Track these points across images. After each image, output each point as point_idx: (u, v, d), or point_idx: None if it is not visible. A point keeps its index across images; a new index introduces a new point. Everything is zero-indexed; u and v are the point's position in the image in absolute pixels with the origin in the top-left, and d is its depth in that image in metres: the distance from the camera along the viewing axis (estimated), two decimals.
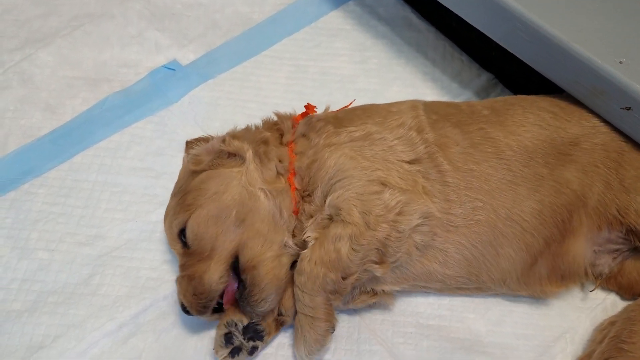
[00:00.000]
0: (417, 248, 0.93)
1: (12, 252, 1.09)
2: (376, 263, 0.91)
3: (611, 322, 0.97)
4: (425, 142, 0.97)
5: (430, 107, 1.03)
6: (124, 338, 1.00)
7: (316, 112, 1.07)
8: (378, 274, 0.92)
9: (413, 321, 1.02)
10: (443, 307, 1.03)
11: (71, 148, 1.22)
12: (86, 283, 1.05)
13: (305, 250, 0.92)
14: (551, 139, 0.98)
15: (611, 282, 1.03)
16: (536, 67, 1.05)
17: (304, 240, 0.94)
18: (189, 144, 1.10)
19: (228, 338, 0.94)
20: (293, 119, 1.06)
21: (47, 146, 1.22)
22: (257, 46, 1.37)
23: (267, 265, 0.92)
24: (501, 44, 1.08)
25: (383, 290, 0.99)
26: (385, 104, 1.06)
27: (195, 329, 1.01)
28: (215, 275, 0.91)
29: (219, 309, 0.95)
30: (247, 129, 1.06)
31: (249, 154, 0.97)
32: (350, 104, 1.11)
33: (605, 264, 1.00)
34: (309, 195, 0.97)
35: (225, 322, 0.94)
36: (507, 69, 1.27)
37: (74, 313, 1.02)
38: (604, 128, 1.00)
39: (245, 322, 0.94)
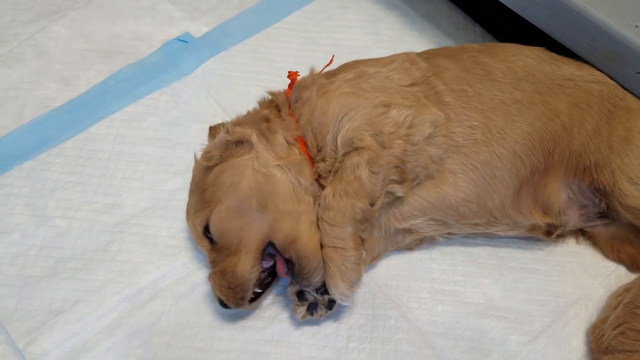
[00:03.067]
0: (432, 161, 0.95)
1: (30, 219, 1.10)
2: (397, 182, 0.92)
3: (626, 289, 0.98)
4: (419, 69, 1.00)
5: (422, 52, 1.08)
6: (143, 302, 1.01)
7: (299, 74, 1.06)
8: (400, 194, 0.93)
9: (427, 287, 1.03)
10: (457, 273, 1.04)
11: (87, 119, 1.22)
12: (104, 249, 1.06)
13: (326, 188, 0.92)
14: (544, 70, 1.01)
15: (614, 255, 1.05)
16: (550, 33, 1.05)
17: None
18: (212, 130, 1.09)
19: (301, 295, 0.94)
20: (285, 92, 1.06)
21: (63, 117, 1.23)
22: (269, 18, 1.37)
23: (305, 235, 0.91)
24: (515, 10, 1.08)
25: (405, 230, 1.00)
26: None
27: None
28: (247, 266, 0.91)
29: (255, 298, 0.96)
30: (248, 114, 1.06)
31: (255, 137, 0.97)
32: (331, 61, 1.10)
33: (573, 216, 1.02)
34: (320, 151, 0.97)
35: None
36: (520, 40, 1.27)
37: (93, 278, 1.03)
38: (603, 78, 1.02)
39: None
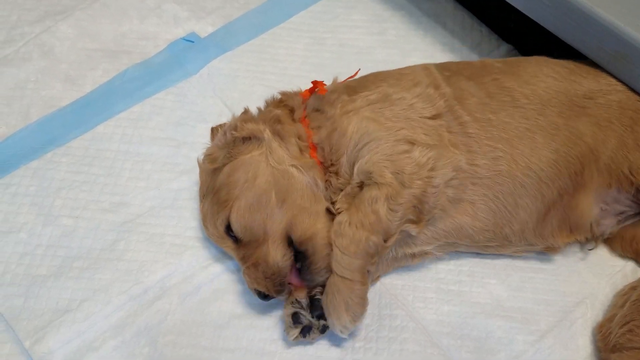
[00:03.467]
0: (449, 202, 0.94)
1: (36, 218, 1.10)
2: (413, 222, 0.92)
3: (632, 287, 0.98)
4: (444, 96, 0.98)
5: (442, 66, 1.05)
6: (149, 301, 1.01)
7: (325, 85, 1.04)
8: (414, 233, 0.93)
9: (433, 287, 1.03)
10: (463, 274, 1.04)
11: (93, 118, 1.23)
12: (111, 248, 1.06)
13: (341, 214, 0.92)
14: (565, 90, 0.99)
15: (627, 249, 1.04)
16: (558, 34, 1.05)
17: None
18: (214, 131, 1.09)
19: (296, 318, 0.94)
20: (301, 95, 1.05)
21: (69, 116, 1.23)
22: (275, 18, 1.37)
23: (323, 233, 0.92)
24: (522, 10, 1.08)
25: (413, 254, 0.99)
26: (396, 69, 1.07)
27: (219, 294, 1.02)
28: (278, 253, 0.91)
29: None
30: (258, 111, 1.05)
31: (267, 133, 0.96)
32: (356, 73, 1.10)
33: (609, 224, 1.01)
34: (332, 165, 0.97)
35: (291, 302, 0.94)
36: (525, 40, 1.27)
37: (99, 277, 1.03)
38: (620, 87, 1.01)
39: (305, 298, 0.94)
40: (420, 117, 0.96)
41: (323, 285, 0.94)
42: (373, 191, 0.90)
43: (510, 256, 1.05)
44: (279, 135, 0.97)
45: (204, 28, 1.37)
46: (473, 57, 1.29)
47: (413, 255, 1.01)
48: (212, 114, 1.24)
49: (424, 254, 1.01)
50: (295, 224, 0.92)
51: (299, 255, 0.92)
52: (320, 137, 0.98)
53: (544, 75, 1.01)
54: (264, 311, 1.01)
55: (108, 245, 1.07)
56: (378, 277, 1.03)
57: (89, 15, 1.37)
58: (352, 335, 0.98)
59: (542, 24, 1.06)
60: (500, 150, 0.95)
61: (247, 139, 0.96)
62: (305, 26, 1.36)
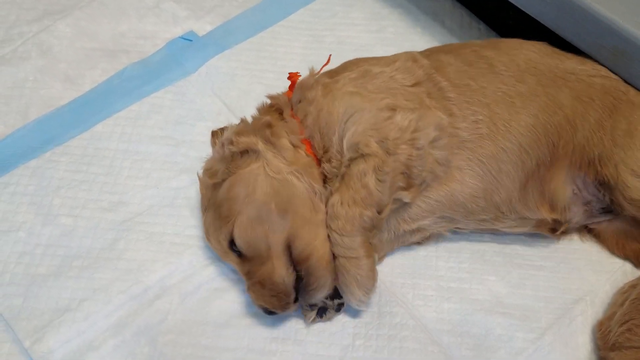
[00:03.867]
0: (438, 163, 0.95)
1: (35, 218, 1.10)
2: (404, 189, 0.92)
3: (632, 285, 0.98)
4: (422, 67, 1.01)
5: (425, 50, 1.09)
6: (149, 301, 1.01)
7: (300, 75, 1.05)
8: (407, 200, 0.93)
9: (433, 284, 1.03)
10: (463, 271, 1.04)
11: (91, 117, 1.22)
12: (111, 248, 1.06)
13: (333, 196, 0.92)
14: (547, 63, 1.02)
15: (615, 250, 1.05)
16: (557, 31, 1.05)
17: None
18: (215, 135, 1.09)
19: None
20: (286, 93, 1.05)
21: (68, 115, 1.23)
22: (273, 16, 1.37)
23: (320, 251, 0.91)
24: (521, 7, 1.08)
25: (412, 230, 1.00)
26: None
27: (219, 293, 1.02)
28: (282, 271, 0.91)
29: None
30: (247, 121, 1.04)
31: (260, 145, 0.95)
32: (329, 60, 1.10)
33: (577, 212, 1.02)
34: (326, 152, 0.97)
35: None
36: (524, 38, 1.27)
37: (99, 277, 1.03)
38: (605, 72, 1.03)
39: None
40: (401, 86, 0.98)
41: None
42: (360, 165, 0.90)
43: (509, 254, 1.05)
44: (270, 142, 0.96)
45: (203, 27, 1.36)
46: None
47: (413, 232, 1.01)
48: (211, 113, 1.24)
49: (424, 232, 1.02)
50: (297, 236, 0.91)
51: (297, 276, 0.92)
52: (308, 125, 0.98)
53: (525, 49, 1.04)
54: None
55: (107, 244, 1.07)
56: (383, 257, 1.03)
57: (87, 15, 1.37)
58: (352, 333, 0.98)
59: (541, 20, 1.06)
60: (480, 113, 0.97)
61: (244, 152, 0.96)
62: (303, 24, 1.36)
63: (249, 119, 1.04)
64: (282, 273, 0.91)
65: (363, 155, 0.91)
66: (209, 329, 0.99)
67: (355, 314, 1.00)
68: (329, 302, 0.96)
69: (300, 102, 1.01)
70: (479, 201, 0.98)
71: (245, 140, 0.95)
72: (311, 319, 0.96)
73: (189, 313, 1.00)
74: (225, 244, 0.94)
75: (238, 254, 0.94)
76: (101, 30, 1.36)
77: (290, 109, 1.02)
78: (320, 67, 1.07)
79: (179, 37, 1.34)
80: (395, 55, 1.06)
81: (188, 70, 1.29)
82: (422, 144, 0.92)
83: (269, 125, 0.98)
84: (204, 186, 0.99)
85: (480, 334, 0.98)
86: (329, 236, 0.92)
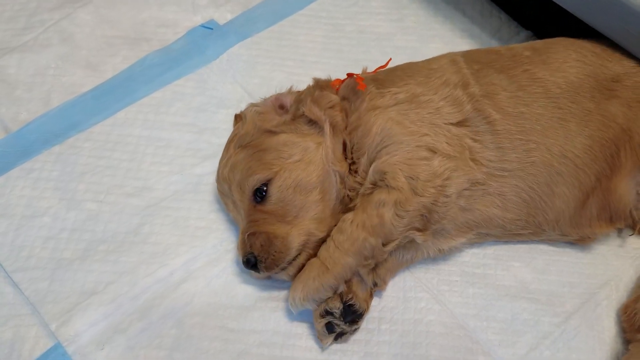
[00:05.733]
0: (461, 211, 0.95)
1: (60, 203, 1.10)
2: (419, 230, 0.92)
3: None
4: (472, 97, 0.97)
5: (470, 57, 1.03)
6: (175, 284, 1.01)
7: (360, 79, 1.02)
8: (419, 241, 0.93)
9: (458, 270, 1.03)
10: (488, 257, 1.04)
11: (114, 104, 1.23)
12: (136, 232, 1.07)
13: (347, 213, 0.93)
14: (594, 74, 0.99)
15: None
16: (581, 17, 1.05)
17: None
18: (238, 118, 1.09)
19: (330, 328, 0.93)
20: (332, 83, 1.04)
21: (90, 102, 1.23)
22: (294, 5, 1.37)
23: (300, 240, 0.94)
24: None
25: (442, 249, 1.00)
26: (424, 62, 1.06)
27: (244, 276, 1.02)
28: (297, 240, 0.92)
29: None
30: (314, 87, 1.02)
31: (327, 126, 0.96)
32: (387, 63, 1.10)
33: None
34: (353, 163, 0.97)
35: (321, 313, 0.93)
36: (545, 27, 1.27)
37: (125, 260, 1.04)
38: None
39: (339, 305, 0.93)
40: (445, 124, 0.95)
41: (353, 291, 0.95)
42: (382, 194, 0.90)
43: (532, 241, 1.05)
44: (334, 129, 0.97)
45: (223, 15, 1.37)
46: (493, 44, 1.29)
47: (440, 250, 1.00)
48: (232, 100, 1.24)
49: (454, 248, 1.01)
50: (318, 229, 0.94)
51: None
52: (347, 128, 0.98)
53: (573, 60, 1.01)
54: (289, 295, 1.01)
55: (133, 228, 1.07)
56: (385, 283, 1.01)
57: (107, 3, 1.38)
58: (377, 317, 0.98)
59: (565, 6, 1.06)
60: (533, 141, 0.95)
61: (312, 121, 0.97)
62: (324, 13, 1.36)
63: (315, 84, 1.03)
64: (295, 241, 0.93)
65: (387, 186, 0.90)
66: (235, 312, 0.99)
67: (380, 299, 1.00)
68: (347, 328, 0.94)
69: (344, 99, 1.01)
70: (520, 222, 0.98)
71: (318, 114, 0.97)
72: (328, 343, 0.95)
73: (215, 296, 1.01)
74: (251, 185, 0.93)
75: (258, 200, 0.94)
76: (122, 18, 1.36)
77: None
78: (375, 68, 1.07)
79: (200, 26, 1.34)
80: (443, 69, 1.01)
81: (209, 58, 1.29)
82: (452, 193, 0.91)
83: (336, 109, 0.99)
84: (251, 125, 0.98)
85: (507, 319, 0.98)
86: (325, 241, 0.94)
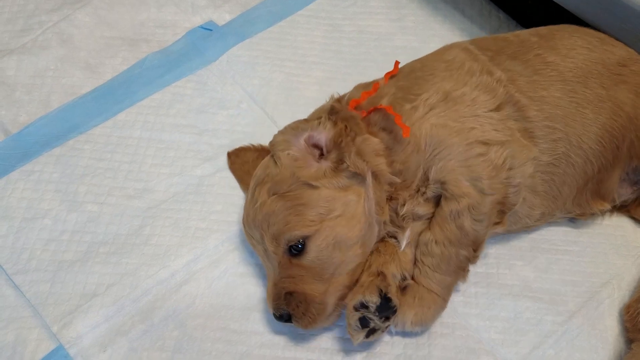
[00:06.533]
0: (529, 192, 0.94)
1: (60, 205, 1.10)
2: (498, 223, 0.92)
3: None
4: (500, 82, 0.95)
5: (479, 45, 1.02)
6: (177, 285, 1.01)
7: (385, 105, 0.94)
8: (500, 232, 0.94)
9: None
10: (490, 256, 1.04)
11: (114, 106, 1.23)
12: (137, 234, 1.06)
13: (423, 233, 0.91)
14: (601, 60, 0.99)
15: None
16: (580, 15, 1.05)
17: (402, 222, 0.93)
18: (230, 156, 1.11)
19: (364, 322, 0.88)
20: (356, 109, 0.94)
21: (90, 104, 1.23)
22: (293, 6, 1.37)
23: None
24: None
25: None
26: (434, 55, 1.04)
27: (246, 278, 1.02)
28: (333, 299, 0.89)
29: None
30: (358, 127, 0.90)
31: (369, 177, 0.89)
32: (396, 67, 1.04)
33: (625, 194, 1.02)
34: (407, 187, 0.92)
35: (355, 305, 0.88)
36: (544, 25, 1.27)
37: (126, 262, 1.03)
38: None
39: (377, 300, 0.88)
40: (486, 112, 0.92)
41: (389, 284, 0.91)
42: (452, 205, 0.88)
43: (535, 239, 1.05)
44: (376, 177, 0.90)
45: (222, 16, 1.36)
46: None
47: None
48: (232, 101, 1.24)
49: None
50: (350, 280, 0.91)
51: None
52: (394, 163, 0.92)
53: (579, 47, 1.00)
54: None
55: (134, 230, 1.07)
56: None
57: (106, 4, 1.37)
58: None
59: (564, 5, 1.07)
60: (559, 130, 0.94)
61: (355, 174, 0.89)
62: (323, 13, 1.36)
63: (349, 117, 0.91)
64: (331, 301, 0.89)
65: (454, 196, 0.88)
66: (237, 313, 0.99)
67: None
68: (381, 324, 0.89)
69: (384, 130, 0.92)
70: (537, 215, 0.98)
71: (362, 167, 0.89)
72: (359, 340, 0.90)
73: (217, 297, 1.00)
74: (287, 239, 0.87)
75: (294, 254, 0.88)
76: (121, 19, 1.36)
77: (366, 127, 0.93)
78: (385, 74, 1.01)
79: (199, 27, 1.34)
80: (459, 59, 0.98)
81: (209, 59, 1.29)
82: (519, 182, 0.90)
83: (380, 156, 0.91)
84: (288, 171, 0.89)
85: (509, 318, 0.98)
86: (417, 265, 0.92)
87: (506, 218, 0.92)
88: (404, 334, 0.96)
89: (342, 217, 0.88)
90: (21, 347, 0.96)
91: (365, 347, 0.95)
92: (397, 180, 0.91)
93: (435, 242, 0.90)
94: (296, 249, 0.88)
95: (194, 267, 1.03)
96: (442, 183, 0.89)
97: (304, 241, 0.87)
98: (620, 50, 1.01)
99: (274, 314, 0.91)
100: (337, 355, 0.95)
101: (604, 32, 1.04)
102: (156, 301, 1.00)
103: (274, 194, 0.88)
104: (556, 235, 1.06)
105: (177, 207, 1.10)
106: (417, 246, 0.93)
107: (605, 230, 1.06)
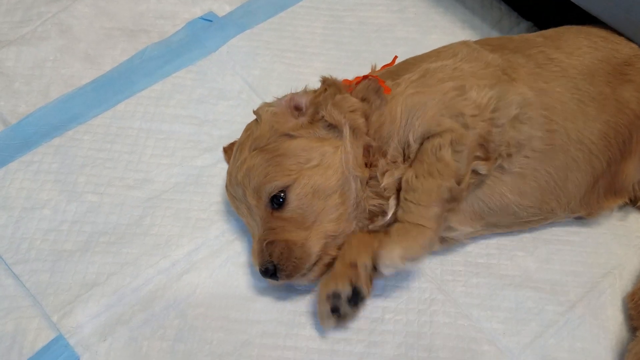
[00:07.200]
0: (513, 144, 0.92)
1: (60, 195, 1.09)
2: (482, 159, 0.90)
3: None
4: (493, 63, 0.95)
5: (481, 42, 1.03)
6: (177, 275, 1.01)
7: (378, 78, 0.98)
8: (484, 172, 0.90)
9: (461, 260, 1.03)
10: (491, 247, 1.04)
11: (113, 97, 1.22)
12: (137, 224, 1.06)
13: (407, 171, 0.90)
14: (607, 58, 0.99)
15: None
16: (584, 6, 1.05)
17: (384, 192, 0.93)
18: (227, 151, 1.10)
19: (335, 309, 0.91)
20: (342, 83, 1.00)
21: (90, 95, 1.22)
22: None
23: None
24: None
25: (452, 238, 0.98)
26: (431, 50, 1.05)
27: (246, 268, 1.02)
28: (317, 245, 0.91)
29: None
30: (335, 87, 0.96)
31: (347, 130, 0.92)
32: (394, 60, 1.07)
33: None
34: (383, 155, 0.94)
35: (329, 294, 0.90)
36: (545, 17, 1.27)
37: (126, 252, 1.03)
38: None
39: (348, 290, 0.90)
40: (470, 72, 0.92)
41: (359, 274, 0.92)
42: (435, 140, 0.88)
43: (537, 229, 1.05)
44: (354, 132, 0.93)
45: (221, 7, 1.36)
46: (494, 35, 1.29)
47: (442, 240, 0.98)
48: (232, 92, 1.23)
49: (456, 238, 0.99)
50: (333, 230, 0.92)
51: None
52: (369, 130, 0.94)
53: (584, 47, 1.00)
54: (291, 285, 1.00)
55: (134, 220, 1.06)
56: None
57: None
58: (381, 307, 0.98)
59: None
60: (555, 123, 0.93)
61: (330, 125, 0.93)
62: (324, 4, 1.36)
63: (329, 86, 0.97)
64: (315, 247, 0.91)
65: (437, 133, 0.88)
66: (237, 302, 0.98)
67: (384, 289, 1.00)
68: (350, 312, 0.92)
69: (363, 100, 0.96)
70: (533, 210, 0.97)
71: (338, 119, 0.93)
72: (330, 326, 0.93)
73: (218, 287, 1.00)
74: (268, 191, 0.90)
75: (275, 207, 0.91)
76: (120, 10, 1.35)
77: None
78: (382, 66, 1.05)
79: (199, 18, 1.34)
80: (452, 47, 1.00)
81: (209, 50, 1.29)
82: (503, 123, 0.89)
83: (357, 113, 0.94)
84: (267, 126, 0.94)
85: (511, 308, 0.98)
86: (400, 205, 0.89)
87: (493, 159, 0.90)
88: (406, 323, 0.96)
89: (320, 167, 0.91)
90: (21, 337, 0.95)
91: (366, 335, 0.95)
92: (372, 142, 0.93)
93: (416, 176, 0.88)
94: (277, 202, 0.90)
95: (194, 257, 1.03)
96: (425, 132, 0.89)
97: (284, 192, 0.90)
98: (625, 48, 1.01)
99: (260, 270, 0.91)
100: (338, 343, 0.95)
101: (609, 23, 1.03)
102: (157, 290, 0.99)
103: (254, 150, 0.93)
104: (557, 226, 1.05)
105: (177, 198, 1.09)
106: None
107: (607, 220, 1.06)
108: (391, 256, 0.86)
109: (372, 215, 0.95)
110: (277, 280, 0.92)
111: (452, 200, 0.90)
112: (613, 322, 0.96)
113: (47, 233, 1.05)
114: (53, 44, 1.29)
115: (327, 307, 0.91)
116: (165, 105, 1.21)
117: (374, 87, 0.96)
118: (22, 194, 1.09)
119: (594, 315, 0.97)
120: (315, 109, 0.94)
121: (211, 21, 1.33)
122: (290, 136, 0.93)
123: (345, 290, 0.90)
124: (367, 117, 0.95)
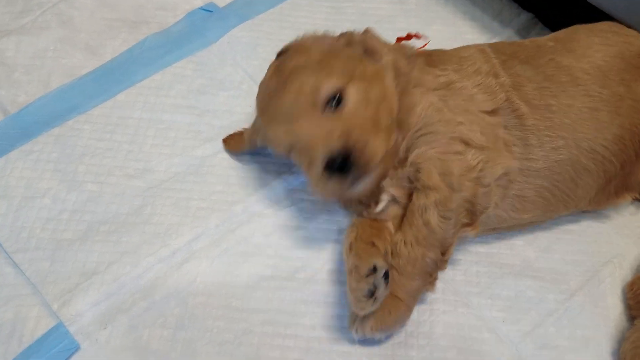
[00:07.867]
0: (501, 198, 0.92)
1: (60, 184, 1.09)
2: (468, 225, 0.90)
3: None
4: (503, 87, 0.94)
5: (496, 48, 1.01)
6: (178, 264, 1.01)
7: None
8: (471, 237, 0.91)
9: (461, 249, 1.02)
10: (490, 237, 1.04)
11: (114, 87, 1.22)
12: (137, 213, 1.06)
13: (396, 234, 0.90)
14: (620, 53, 0.97)
15: None
16: (594, 2, 1.04)
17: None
18: (227, 141, 1.12)
19: (371, 290, 0.85)
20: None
21: (90, 85, 1.22)
22: None
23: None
24: None
25: None
26: (453, 49, 1.04)
27: (247, 257, 1.02)
28: (382, 147, 0.85)
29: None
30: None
31: (387, 60, 0.93)
32: (425, 45, 1.07)
33: None
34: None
35: (370, 269, 0.84)
36: (546, 8, 1.27)
37: (126, 241, 1.03)
38: None
39: (384, 264, 0.85)
40: (479, 111, 0.92)
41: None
42: (421, 199, 0.87)
43: None
44: (394, 70, 0.93)
45: None
46: (494, 26, 1.28)
47: None
48: (233, 82, 1.23)
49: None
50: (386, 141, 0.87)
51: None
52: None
53: (596, 44, 0.98)
54: (292, 273, 1.01)
55: (134, 209, 1.06)
56: None
57: None
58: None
59: None
60: (562, 137, 0.92)
61: (370, 52, 0.93)
62: None
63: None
64: (381, 147, 0.85)
65: (424, 187, 0.87)
66: (238, 291, 0.98)
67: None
68: (384, 290, 0.85)
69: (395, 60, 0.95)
70: (535, 218, 0.97)
71: (379, 45, 0.95)
72: (367, 310, 0.86)
73: (218, 275, 1.00)
74: (328, 89, 0.86)
75: (336, 105, 0.86)
76: (121, 1, 1.35)
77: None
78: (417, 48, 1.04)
79: (200, 8, 1.34)
80: (472, 57, 0.98)
81: (209, 40, 1.28)
82: (488, 182, 0.89)
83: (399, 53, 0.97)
84: (309, 46, 0.95)
85: (511, 296, 0.98)
86: (387, 273, 0.86)
87: (477, 222, 0.91)
88: None
89: (370, 75, 0.90)
90: (20, 325, 0.95)
91: None
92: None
93: (404, 242, 0.88)
94: (333, 102, 0.86)
95: (195, 246, 1.03)
96: (417, 169, 0.89)
97: (340, 94, 0.86)
98: (638, 40, 1.00)
99: (325, 161, 0.83)
100: (337, 332, 0.95)
101: (609, 13, 1.03)
102: (157, 279, 0.99)
103: (301, 66, 0.90)
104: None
105: (177, 187, 1.09)
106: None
107: (606, 210, 1.06)
108: (362, 325, 0.89)
109: (368, 201, 0.95)
110: (345, 175, 0.84)
111: (434, 272, 0.90)
112: (613, 310, 0.97)
113: (47, 222, 1.05)
114: (54, 34, 1.29)
115: (366, 287, 0.84)
116: (165, 96, 1.21)
117: (401, 49, 0.96)
118: (22, 183, 1.09)
119: (594, 303, 0.97)
120: (350, 36, 0.96)
121: (211, 12, 1.33)
122: (334, 52, 0.92)
123: (383, 266, 0.84)
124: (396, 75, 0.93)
